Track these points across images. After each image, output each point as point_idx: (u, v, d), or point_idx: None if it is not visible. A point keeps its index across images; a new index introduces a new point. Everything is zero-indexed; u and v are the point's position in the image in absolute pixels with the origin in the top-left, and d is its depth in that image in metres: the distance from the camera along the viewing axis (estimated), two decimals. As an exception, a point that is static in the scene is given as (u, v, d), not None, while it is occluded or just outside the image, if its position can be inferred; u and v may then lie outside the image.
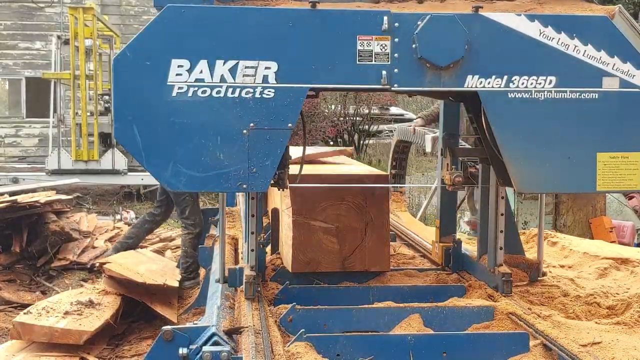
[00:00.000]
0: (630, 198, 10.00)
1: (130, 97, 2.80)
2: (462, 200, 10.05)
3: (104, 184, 14.06)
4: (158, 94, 2.78)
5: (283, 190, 3.31)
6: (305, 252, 3.57)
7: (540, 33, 2.92)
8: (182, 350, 2.65)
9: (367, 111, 17.42)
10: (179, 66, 2.77)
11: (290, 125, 2.86)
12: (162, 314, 5.35)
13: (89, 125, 13.29)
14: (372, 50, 2.88)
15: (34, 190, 8.96)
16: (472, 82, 2.92)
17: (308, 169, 3.99)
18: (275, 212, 4.10)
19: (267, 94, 2.83)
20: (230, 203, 6.09)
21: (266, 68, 2.82)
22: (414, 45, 2.87)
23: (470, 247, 4.32)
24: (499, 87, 2.93)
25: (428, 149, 4.11)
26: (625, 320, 3.13)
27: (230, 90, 2.81)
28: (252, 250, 3.46)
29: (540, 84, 2.94)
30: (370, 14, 2.89)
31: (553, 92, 2.95)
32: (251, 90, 2.81)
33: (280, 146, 2.86)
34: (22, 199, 7.57)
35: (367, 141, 17.82)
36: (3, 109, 18.56)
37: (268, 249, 4.22)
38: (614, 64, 2.95)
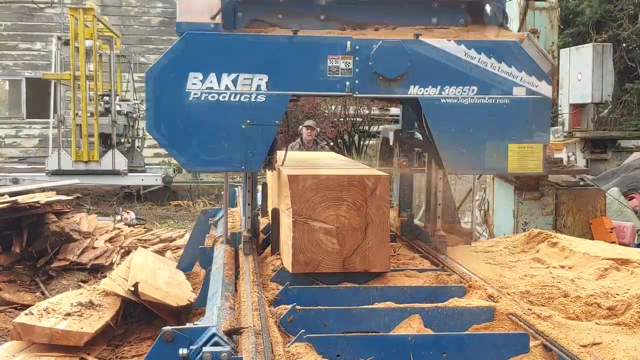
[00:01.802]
0: (631, 199, 10.01)
1: (158, 100, 3.69)
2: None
3: (104, 184, 14.07)
4: (179, 98, 3.67)
5: (272, 171, 4.28)
6: (305, 252, 3.58)
7: (465, 54, 3.83)
8: (182, 351, 2.65)
9: (367, 112, 17.43)
10: (194, 77, 3.68)
11: (277, 122, 3.78)
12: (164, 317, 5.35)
13: (89, 126, 13.29)
14: (339, 67, 3.79)
15: (34, 191, 8.96)
16: (414, 91, 3.84)
17: (308, 170, 3.99)
18: (275, 212, 4.10)
19: (260, 99, 3.72)
20: (231, 204, 6.10)
21: (259, 79, 3.72)
22: (370, 63, 3.78)
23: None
24: (434, 94, 3.84)
25: (390, 142, 4.99)
26: (625, 321, 3.13)
27: (233, 95, 3.71)
28: (249, 217, 4.35)
29: (465, 92, 3.84)
30: (337, 39, 3.81)
31: (475, 98, 3.85)
32: (248, 95, 3.72)
33: (270, 137, 3.77)
34: (22, 199, 7.57)
35: (367, 142, 17.82)
36: (3, 109, 18.58)
37: (268, 249, 4.23)
38: (522, 77, 3.86)
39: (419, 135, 4.81)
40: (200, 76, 3.68)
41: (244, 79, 3.71)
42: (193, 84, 3.67)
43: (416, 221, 5.01)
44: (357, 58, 3.77)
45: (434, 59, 3.82)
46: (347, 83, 3.78)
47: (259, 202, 5.02)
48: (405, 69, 3.78)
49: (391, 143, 4.96)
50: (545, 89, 3.89)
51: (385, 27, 4.10)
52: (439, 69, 3.82)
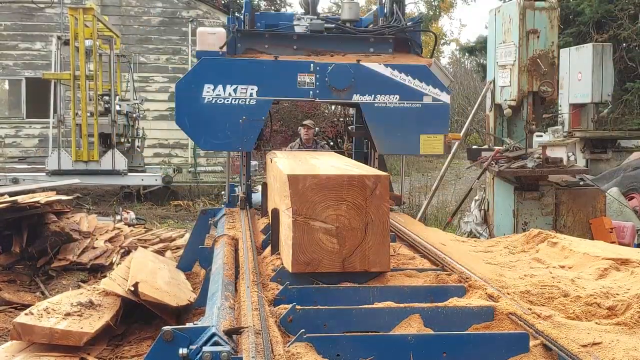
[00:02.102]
0: (631, 199, 10.00)
1: (184, 103, 5.60)
2: (461, 201, 10.07)
3: (104, 184, 14.06)
4: (197, 102, 5.55)
5: (259, 150, 6.48)
6: (305, 252, 3.57)
7: (391, 73, 5.70)
8: (182, 351, 2.64)
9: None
10: (208, 88, 5.57)
11: (263, 118, 5.74)
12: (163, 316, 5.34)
13: (89, 126, 13.29)
14: (305, 81, 5.67)
15: (34, 191, 8.95)
16: (356, 98, 5.72)
17: (307, 170, 3.99)
18: (275, 212, 4.10)
19: (252, 103, 5.64)
20: (231, 204, 6.12)
21: (251, 89, 5.62)
22: (326, 79, 5.66)
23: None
24: (370, 100, 5.72)
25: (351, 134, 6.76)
26: (625, 321, 3.13)
27: (233, 100, 5.62)
28: (244, 184, 6.16)
29: (390, 99, 5.72)
30: (304, 62, 5.72)
31: (397, 103, 5.71)
32: (244, 100, 5.63)
33: (258, 128, 5.72)
34: (22, 199, 7.56)
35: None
36: (3, 109, 18.58)
37: (268, 249, 4.22)
38: (429, 89, 5.72)
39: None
40: (211, 87, 5.55)
41: (241, 89, 5.59)
42: (207, 92, 5.54)
43: None
44: (318, 75, 5.63)
45: (369, 76, 5.66)
46: (311, 92, 5.67)
47: (258, 198, 6.14)
48: (350, 83, 5.66)
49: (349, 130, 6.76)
50: (445, 97, 5.74)
51: (338, 54, 5.97)
52: (372, 83, 5.67)
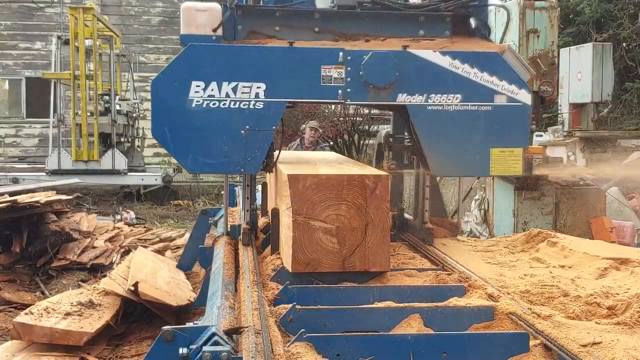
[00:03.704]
0: (631, 198, 10.01)
1: (163, 107, 3.96)
2: (461, 201, 10.07)
3: (104, 184, 14.06)
4: (182, 105, 3.93)
5: (269, 173, 4.55)
6: (305, 252, 3.58)
7: (450, 64, 4.09)
8: (182, 350, 2.65)
9: (367, 111, 17.42)
10: (196, 86, 3.93)
11: (274, 127, 4.06)
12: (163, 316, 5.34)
13: (89, 126, 13.29)
14: (332, 76, 4.04)
15: (34, 191, 8.96)
16: (402, 98, 4.10)
17: (307, 170, 3.99)
18: (275, 212, 4.11)
19: (258, 106, 3.98)
20: (231, 204, 6.10)
21: (257, 87, 3.97)
22: (361, 72, 4.03)
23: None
24: (421, 102, 4.10)
25: (381, 140, 5.27)
26: (625, 321, 3.13)
27: (233, 103, 3.97)
28: (247, 211, 4.62)
29: (449, 99, 4.10)
30: (330, 50, 4.09)
31: (459, 105, 4.11)
32: (247, 103, 3.97)
33: (267, 142, 4.04)
34: (22, 199, 7.57)
35: (367, 141, 17.81)
36: (3, 109, 18.57)
37: (268, 249, 4.22)
38: (503, 86, 4.11)
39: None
40: (202, 84, 3.93)
41: (243, 87, 3.96)
42: (195, 92, 3.92)
43: (406, 215, 5.27)
44: (348, 68, 4.03)
45: (420, 69, 4.08)
46: (340, 91, 4.05)
47: (259, 201, 5.18)
48: (394, 78, 4.04)
49: (381, 142, 5.22)
50: (524, 96, 4.14)
51: (376, 38, 4.38)
52: (425, 78, 4.09)
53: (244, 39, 4.30)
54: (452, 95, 4.09)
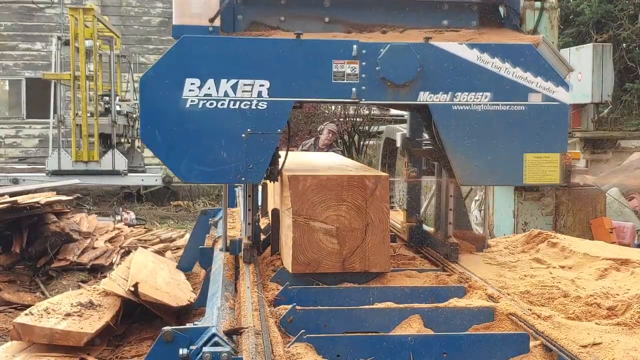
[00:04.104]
0: (631, 199, 10.00)
1: (153, 108, 3.49)
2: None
3: (104, 184, 14.07)
4: (175, 106, 3.47)
5: (274, 182, 4.00)
6: (305, 252, 3.58)
7: (478, 58, 3.61)
8: (183, 351, 2.65)
9: (367, 112, 17.43)
10: (191, 84, 3.47)
11: (279, 130, 3.54)
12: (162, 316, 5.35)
13: (89, 126, 13.29)
14: (344, 72, 3.57)
15: (34, 191, 8.96)
16: (424, 97, 3.61)
17: (308, 170, 3.99)
18: (275, 212, 4.11)
19: (261, 106, 3.52)
20: (230, 204, 6.10)
21: (260, 85, 3.51)
22: (377, 68, 3.55)
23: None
24: (445, 100, 3.62)
25: (398, 144, 4.75)
26: (625, 321, 3.13)
27: (232, 102, 3.50)
28: (249, 224, 4.14)
29: (478, 98, 3.62)
30: (343, 42, 3.60)
31: (488, 104, 3.63)
32: (248, 102, 3.51)
33: (272, 147, 3.55)
34: (22, 199, 7.57)
35: (367, 142, 17.82)
36: (3, 109, 18.57)
37: (268, 249, 4.22)
38: (538, 83, 3.64)
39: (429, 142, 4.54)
40: (197, 82, 3.48)
41: (244, 85, 3.50)
42: (190, 90, 3.47)
43: (425, 227, 4.77)
44: (363, 63, 3.57)
45: (445, 64, 3.61)
46: (353, 89, 3.58)
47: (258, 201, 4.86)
48: (415, 74, 3.56)
49: (398, 144, 4.71)
50: (562, 95, 3.67)
51: (394, 29, 3.92)
52: (450, 74, 3.61)
53: (244, 31, 3.87)
54: (481, 93, 3.64)
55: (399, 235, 4.94)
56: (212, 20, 3.65)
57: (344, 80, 3.57)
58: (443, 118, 3.64)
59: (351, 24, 3.93)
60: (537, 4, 8.03)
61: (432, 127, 3.80)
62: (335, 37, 3.77)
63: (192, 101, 3.48)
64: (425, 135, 4.53)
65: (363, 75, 3.57)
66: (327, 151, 9.43)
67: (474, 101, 3.62)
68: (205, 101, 3.49)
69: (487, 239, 4.64)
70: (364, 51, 3.56)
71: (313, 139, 9.85)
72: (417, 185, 4.89)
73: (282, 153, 4.00)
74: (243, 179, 3.58)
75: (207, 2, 3.67)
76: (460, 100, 3.62)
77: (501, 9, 4.05)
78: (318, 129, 10.43)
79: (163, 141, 3.50)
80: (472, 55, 3.61)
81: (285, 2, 3.91)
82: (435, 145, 4.03)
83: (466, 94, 3.62)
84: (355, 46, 3.57)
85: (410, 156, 4.48)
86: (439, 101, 3.62)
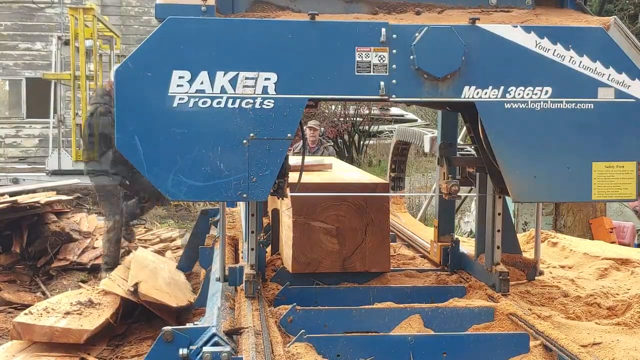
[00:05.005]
0: (631, 198, 10.00)
1: (132, 107, 2.81)
2: (461, 201, 10.07)
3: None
4: (159, 105, 2.79)
5: (282, 199, 3.34)
6: (306, 252, 3.58)
7: (537, 44, 2.96)
8: (183, 351, 2.65)
9: (367, 112, 17.43)
10: (179, 77, 2.79)
11: (289, 135, 2.88)
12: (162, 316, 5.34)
13: (89, 126, 13.26)
14: (370, 62, 2.90)
15: (34, 191, 8.95)
16: (469, 93, 2.95)
17: (308, 178, 3.99)
18: (275, 212, 4.10)
19: (267, 105, 2.84)
20: (230, 204, 6.09)
21: (266, 79, 2.84)
22: (411, 57, 2.90)
23: (467, 247, 4.32)
24: (496, 97, 2.96)
25: (427, 149, 4.11)
26: (625, 321, 3.13)
27: (231, 100, 2.83)
28: (252, 249, 3.47)
29: (536, 94, 2.97)
30: (368, 25, 2.92)
31: (549, 102, 2.99)
32: (251, 100, 2.83)
33: (280, 156, 2.87)
34: (22, 199, 7.57)
35: (367, 142, 17.83)
36: (3, 109, 18.56)
37: (268, 249, 4.22)
38: (609, 75, 2.99)
39: (470, 149, 4.06)
40: (187, 75, 2.80)
41: (246, 78, 2.83)
42: (178, 85, 2.79)
43: (462, 249, 4.14)
44: (394, 50, 2.91)
45: (495, 52, 2.96)
46: (382, 83, 2.91)
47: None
48: (459, 64, 2.91)
49: (427, 149, 4.18)
50: (639, 90, 3.01)
51: (430, 9, 3.26)
52: (502, 64, 2.97)
53: (246, 11, 3.18)
54: (540, 88, 2.97)
55: (428, 256, 4.34)
56: None
57: (370, 72, 2.91)
58: (493, 119, 2.99)
59: (378, 3, 3.27)
60: None
61: (479, 130, 3.18)
62: (359, 18, 3.09)
63: (180, 99, 2.80)
64: (459, 139, 3.90)
65: (394, 66, 2.91)
66: (318, 149, 9.37)
67: (531, 98, 2.98)
68: (197, 99, 2.81)
69: (539, 263, 3.88)
70: (394, 36, 2.91)
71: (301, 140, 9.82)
72: (451, 200, 4.12)
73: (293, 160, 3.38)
74: (245, 195, 2.87)
75: None
76: (514, 97, 2.97)
77: None
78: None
79: (144, 149, 2.81)
80: (528, 41, 2.96)
81: None
82: (481, 153, 3.43)
83: (522, 89, 2.97)
84: (384, 30, 2.90)
85: (450, 166, 3.79)
86: (488, 98, 2.97)
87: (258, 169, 2.85)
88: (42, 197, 7.90)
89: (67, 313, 4.87)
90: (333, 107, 17.20)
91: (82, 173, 13.11)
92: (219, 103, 2.83)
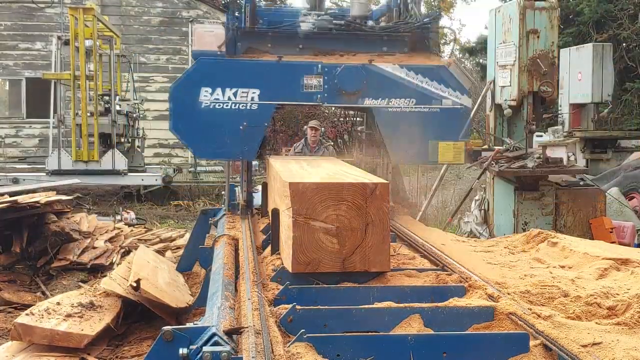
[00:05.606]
0: (631, 199, 10.00)
1: (179, 107, 5.33)
2: (461, 201, 10.07)
3: (104, 184, 14.06)
4: (194, 106, 5.25)
5: (262, 160, 5.84)
6: (305, 252, 3.57)
7: (407, 75, 5.34)
8: (182, 351, 2.64)
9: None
10: (205, 91, 5.25)
11: (266, 124, 5.42)
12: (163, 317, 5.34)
13: (89, 126, 13.28)
14: (312, 83, 5.32)
15: (34, 191, 8.95)
16: (368, 102, 5.39)
17: (308, 177, 3.99)
18: (275, 212, 4.10)
19: (253, 107, 5.29)
20: (232, 210, 6.12)
21: (253, 92, 5.27)
22: (335, 81, 5.32)
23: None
24: (383, 105, 5.35)
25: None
26: (625, 321, 3.13)
27: (233, 105, 5.28)
28: (245, 191, 5.69)
29: (406, 103, 5.35)
30: (311, 63, 5.37)
31: (414, 107, 5.35)
32: (245, 105, 5.28)
33: (260, 135, 5.38)
34: (22, 199, 7.56)
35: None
36: (3, 109, 18.56)
37: (268, 249, 4.22)
38: (449, 92, 5.36)
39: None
40: (209, 90, 5.22)
41: (242, 92, 5.23)
42: (204, 96, 5.22)
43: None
44: (325, 77, 5.29)
45: (382, 78, 5.29)
46: (318, 96, 5.33)
47: (257, 200, 5.89)
48: (362, 85, 5.30)
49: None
50: (466, 101, 5.37)
51: (347, 54, 5.58)
52: (386, 85, 5.28)
53: (242, 54, 5.53)
54: (408, 99, 5.32)
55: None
56: (220, 47, 5.40)
57: (311, 89, 5.31)
58: (381, 117, 5.39)
59: (318, 50, 5.60)
60: (537, 4, 8.09)
61: (374, 123, 5.53)
62: (306, 59, 5.46)
63: (205, 103, 5.24)
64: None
65: (325, 86, 5.31)
66: (319, 149, 9.39)
67: (403, 105, 5.33)
68: (215, 104, 5.25)
69: (419, 206, 6.22)
70: (326, 69, 5.31)
71: (303, 139, 9.84)
72: (370, 168, 6.09)
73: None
74: (241, 157, 5.51)
75: (217, 35, 5.40)
76: (394, 104, 5.33)
77: (425, 40, 5.66)
78: (303, 129, 10.44)
79: (186, 131, 5.33)
80: (402, 73, 5.33)
81: (271, 34, 5.57)
82: (377, 136, 5.71)
83: (398, 100, 5.33)
84: (319, 65, 5.31)
85: (360, 144, 6.56)
86: (378, 105, 5.36)
87: (248, 143, 5.33)
88: (42, 197, 7.90)
89: (69, 315, 4.87)
90: (333, 107, 17.20)
91: (82, 173, 13.17)
92: (226, 106, 5.27)
